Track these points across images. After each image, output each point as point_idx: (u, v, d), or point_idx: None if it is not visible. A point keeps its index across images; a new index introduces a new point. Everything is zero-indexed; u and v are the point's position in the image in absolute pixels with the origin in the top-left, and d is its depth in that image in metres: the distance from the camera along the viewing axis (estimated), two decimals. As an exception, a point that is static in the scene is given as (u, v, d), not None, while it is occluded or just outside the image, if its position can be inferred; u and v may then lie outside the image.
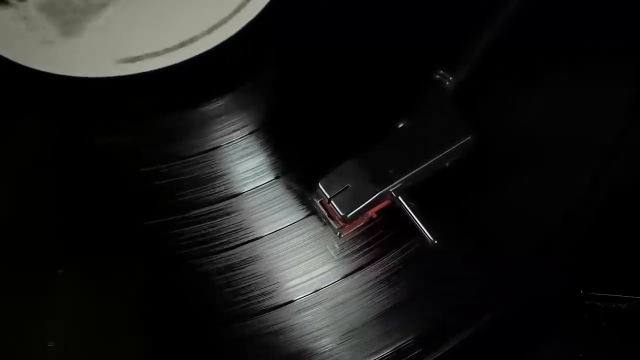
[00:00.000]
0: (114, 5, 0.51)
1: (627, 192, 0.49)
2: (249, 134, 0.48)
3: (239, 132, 0.48)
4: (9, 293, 0.46)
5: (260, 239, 0.46)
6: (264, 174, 0.47)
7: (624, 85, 0.50)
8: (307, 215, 0.46)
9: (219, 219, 0.47)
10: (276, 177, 0.47)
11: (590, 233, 0.47)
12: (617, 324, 0.47)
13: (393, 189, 0.44)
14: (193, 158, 0.48)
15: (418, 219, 0.44)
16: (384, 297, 0.45)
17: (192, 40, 0.50)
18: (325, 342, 0.45)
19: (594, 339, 0.47)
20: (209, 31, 0.50)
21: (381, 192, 0.44)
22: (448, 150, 0.45)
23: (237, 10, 0.51)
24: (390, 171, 0.44)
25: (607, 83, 0.50)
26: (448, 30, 0.50)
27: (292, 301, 0.45)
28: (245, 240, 0.46)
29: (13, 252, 0.47)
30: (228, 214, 0.47)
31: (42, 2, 0.51)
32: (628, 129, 0.49)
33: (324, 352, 0.44)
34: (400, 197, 0.44)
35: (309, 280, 0.46)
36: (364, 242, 0.46)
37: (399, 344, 0.45)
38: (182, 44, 0.50)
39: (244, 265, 0.46)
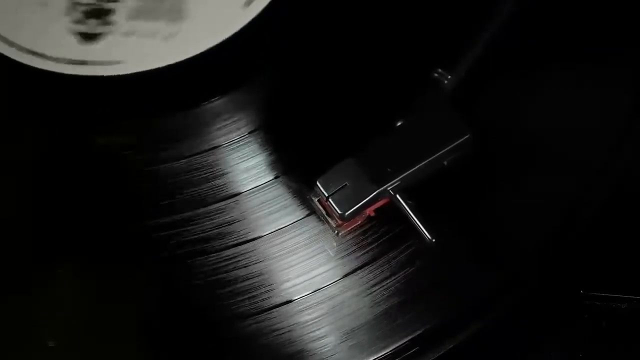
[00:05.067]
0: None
1: (627, 192, 0.48)
2: (248, 133, 0.48)
3: (238, 131, 0.48)
4: (9, 293, 0.46)
5: (260, 239, 0.46)
6: (263, 174, 0.47)
7: (625, 85, 0.49)
8: (307, 215, 0.46)
9: (219, 219, 0.47)
10: (276, 177, 0.47)
11: (590, 233, 0.47)
12: (617, 324, 0.47)
13: (391, 187, 0.44)
14: (193, 158, 0.48)
15: (416, 217, 0.44)
16: (383, 296, 0.45)
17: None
18: (325, 342, 0.44)
19: (594, 338, 0.47)
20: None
21: (379, 190, 0.44)
22: (446, 149, 0.45)
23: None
24: (388, 170, 0.44)
25: (607, 83, 0.50)
26: (446, 28, 0.50)
27: (291, 301, 0.45)
28: (245, 240, 0.46)
29: (13, 252, 0.47)
30: (228, 213, 0.47)
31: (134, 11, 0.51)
32: (628, 129, 0.48)
33: (323, 352, 0.44)
34: (398, 196, 0.44)
35: (308, 279, 0.45)
36: (363, 242, 0.46)
37: (399, 343, 0.44)
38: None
39: (244, 265, 0.46)
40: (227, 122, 0.49)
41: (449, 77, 0.46)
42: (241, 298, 0.45)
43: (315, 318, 0.45)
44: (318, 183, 0.44)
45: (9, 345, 0.45)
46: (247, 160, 0.48)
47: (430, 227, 0.43)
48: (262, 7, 0.51)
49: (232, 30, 0.51)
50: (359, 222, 0.45)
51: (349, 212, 0.44)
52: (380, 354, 0.44)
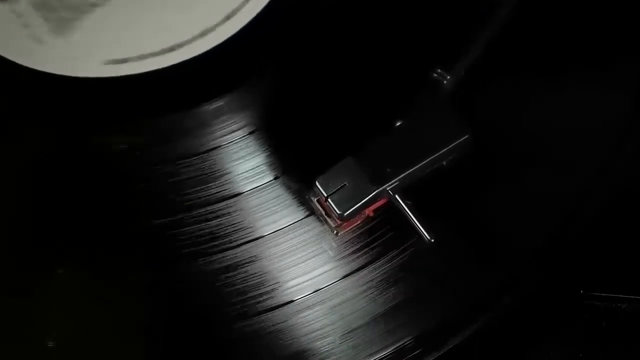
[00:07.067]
0: (107, 5, 0.51)
1: (627, 192, 0.48)
2: (248, 134, 0.48)
3: (239, 132, 0.48)
4: (9, 293, 0.46)
5: (260, 239, 0.46)
6: (264, 174, 0.47)
7: (625, 85, 0.49)
8: (307, 215, 0.46)
9: (219, 219, 0.47)
10: (276, 177, 0.47)
11: (590, 233, 0.47)
12: (617, 324, 0.47)
13: (390, 187, 0.44)
14: (193, 158, 0.48)
15: (415, 217, 0.44)
16: (383, 296, 0.45)
17: (186, 42, 0.50)
18: (326, 342, 0.45)
19: (594, 338, 0.47)
20: (202, 34, 0.51)
21: (378, 190, 0.44)
22: (445, 149, 0.44)
23: (231, 15, 0.51)
24: (388, 170, 0.44)
25: (607, 83, 0.50)
26: (446, 28, 0.50)
27: (292, 301, 0.45)
28: (245, 240, 0.46)
29: (13, 252, 0.47)
30: (228, 214, 0.47)
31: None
32: (628, 129, 0.48)
33: (324, 352, 0.44)
34: (397, 196, 0.44)
35: (309, 280, 0.46)
36: (362, 242, 0.46)
37: (399, 344, 0.45)
38: (173, 48, 0.50)
39: (244, 265, 0.46)
40: (227, 122, 0.49)
41: (449, 77, 0.46)
42: (242, 298, 0.45)
43: (316, 318, 0.45)
44: (317, 183, 0.44)
45: (9, 345, 0.45)
46: (247, 160, 0.48)
47: (430, 227, 0.43)
48: (261, 7, 0.51)
49: (232, 30, 0.51)
50: (358, 222, 0.45)
51: (348, 212, 0.44)
52: (381, 354, 0.44)
